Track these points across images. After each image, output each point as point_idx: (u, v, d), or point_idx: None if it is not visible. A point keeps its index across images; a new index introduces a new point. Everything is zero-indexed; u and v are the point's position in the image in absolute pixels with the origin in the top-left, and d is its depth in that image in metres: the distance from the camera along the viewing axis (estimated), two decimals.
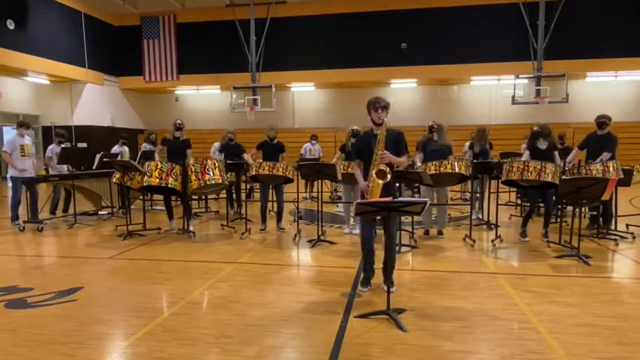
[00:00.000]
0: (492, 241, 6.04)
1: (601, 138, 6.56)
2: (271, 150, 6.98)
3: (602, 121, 6.56)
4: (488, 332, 3.25)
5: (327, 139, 16.28)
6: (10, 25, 14.00)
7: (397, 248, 5.12)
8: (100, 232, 7.10)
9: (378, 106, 3.95)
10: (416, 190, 6.80)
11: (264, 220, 7.00)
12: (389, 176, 3.84)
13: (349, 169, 6.33)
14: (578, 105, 17.07)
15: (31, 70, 15.10)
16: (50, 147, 8.44)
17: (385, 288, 3.61)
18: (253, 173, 6.48)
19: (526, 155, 6.23)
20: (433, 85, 19.27)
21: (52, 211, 8.29)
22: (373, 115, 4.01)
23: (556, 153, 6.20)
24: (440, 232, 6.61)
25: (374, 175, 3.85)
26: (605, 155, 6.32)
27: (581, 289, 4.18)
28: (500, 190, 6.62)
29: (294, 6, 17.46)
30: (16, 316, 3.62)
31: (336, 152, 7.51)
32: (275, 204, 7.19)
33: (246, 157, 8.11)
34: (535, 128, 6.34)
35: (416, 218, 6.51)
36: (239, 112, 17.53)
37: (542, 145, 6.09)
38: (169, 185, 6.32)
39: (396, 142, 4.03)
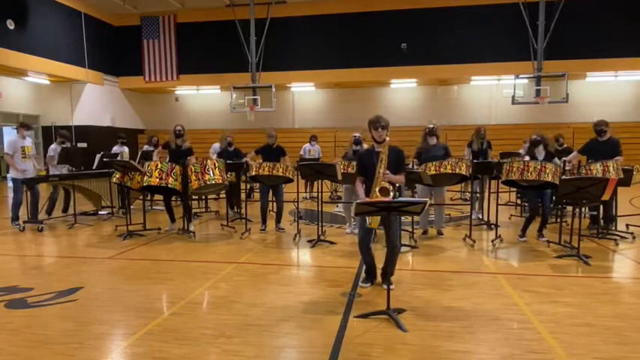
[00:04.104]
0: (492, 241, 6.04)
1: (604, 144, 6.50)
2: (272, 153, 6.93)
3: (601, 129, 6.51)
4: (489, 332, 3.25)
5: (326, 140, 16.28)
6: (10, 25, 14.01)
7: None
8: (100, 232, 7.10)
9: (378, 125, 4.06)
10: (415, 190, 6.80)
11: (264, 220, 7.00)
12: (391, 194, 3.91)
13: (349, 169, 6.34)
14: (578, 105, 17.08)
15: (31, 70, 15.11)
16: (52, 146, 8.43)
17: (385, 287, 3.63)
18: (253, 173, 6.48)
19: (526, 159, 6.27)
20: (433, 85, 19.28)
21: (49, 212, 8.27)
22: (374, 133, 4.11)
23: (555, 160, 6.27)
24: (440, 232, 6.61)
25: (377, 193, 3.91)
26: (619, 159, 6.28)
27: (581, 289, 4.18)
28: (500, 190, 6.61)
29: (294, 6, 17.46)
30: (16, 316, 3.62)
31: (336, 155, 7.52)
32: (275, 204, 7.19)
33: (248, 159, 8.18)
34: (533, 136, 6.35)
35: (414, 218, 6.50)
36: (239, 112, 17.54)
37: (540, 154, 6.21)
38: (169, 185, 6.31)
39: (396, 160, 4.11)
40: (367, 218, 3.93)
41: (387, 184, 3.93)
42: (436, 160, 6.15)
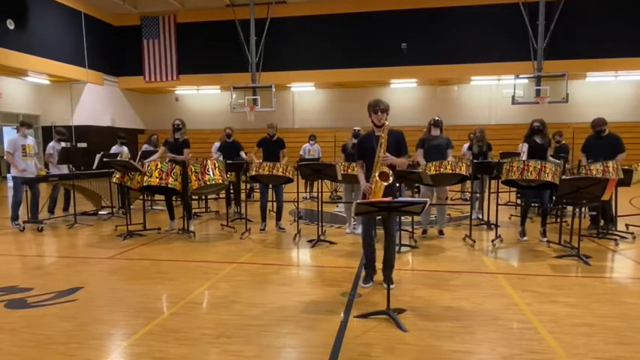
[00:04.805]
0: (492, 241, 6.03)
1: (604, 140, 6.51)
2: (271, 146, 7.03)
3: (600, 129, 6.54)
4: (489, 332, 3.25)
5: (327, 139, 16.27)
6: (10, 25, 14.01)
7: (397, 248, 5.13)
8: (100, 232, 7.10)
9: (377, 108, 4.04)
10: (416, 190, 6.81)
11: (264, 220, 7.01)
12: (391, 178, 3.89)
13: (349, 170, 6.35)
14: (578, 105, 17.08)
15: (31, 70, 15.11)
16: (50, 144, 8.45)
17: (385, 286, 3.63)
18: (253, 173, 6.48)
19: (525, 148, 6.27)
20: (433, 85, 19.28)
21: (51, 209, 8.29)
22: (374, 117, 4.09)
23: (550, 158, 6.30)
24: (440, 232, 6.61)
25: (377, 177, 3.89)
26: (621, 156, 6.30)
27: (581, 289, 4.18)
28: (500, 190, 6.61)
29: (294, 6, 17.47)
30: (16, 316, 3.62)
31: (336, 154, 7.66)
32: (275, 204, 7.19)
33: (246, 156, 8.20)
34: (535, 124, 6.35)
35: (415, 218, 6.52)
36: (239, 112, 17.53)
37: (540, 140, 6.26)
38: (169, 185, 6.31)
39: (397, 142, 4.09)
40: (372, 185, 3.92)
41: (386, 169, 3.91)
42: (438, 149, 6.27)
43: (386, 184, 3.88)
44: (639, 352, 2.91)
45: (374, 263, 4.30)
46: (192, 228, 6.71)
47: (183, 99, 21.45)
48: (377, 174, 3.91)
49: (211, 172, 6.41)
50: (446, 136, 6.57)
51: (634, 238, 6.27)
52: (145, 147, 9.45)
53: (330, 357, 2.88)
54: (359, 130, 7.16)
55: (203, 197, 9.15)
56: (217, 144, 9.79)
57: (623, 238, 6.20)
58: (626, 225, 6.78)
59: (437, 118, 6.52)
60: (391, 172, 3.92)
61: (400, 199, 3.59)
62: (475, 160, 6.94)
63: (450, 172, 6.06)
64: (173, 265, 5.15)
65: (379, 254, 4.26)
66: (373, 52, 17.41)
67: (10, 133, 15.75)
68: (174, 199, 8.24)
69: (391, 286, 3.72)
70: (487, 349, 2.98)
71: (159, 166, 6.36)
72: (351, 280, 4.46)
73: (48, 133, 16.99)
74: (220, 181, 6.50)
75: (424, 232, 6.68)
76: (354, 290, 4.15)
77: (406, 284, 4.35)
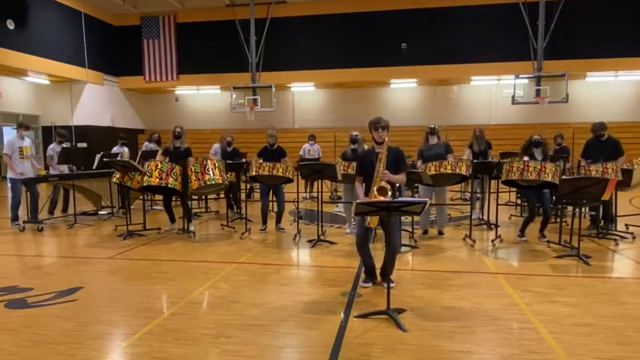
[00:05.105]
0: (492, 241, 6.03)
1: (603, 144, 6.53)
2: (272, 156, 6.86)
3: (600, 134, 6.56)
4: (489, 332, 3.25)
5: (326, 140, 16.27)
6: (10, 25, 14.01)
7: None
8: (100, 232, 7.10)
9: (378, 126, 4.08)
10: (416, 190, 6.81)
11: (264, 220, 7.00)
12: (389, 193, 3.91)
13: (349, 170, 6.35)
14: (578, 105, 17.08)
15: (31, 70, 15.12)
16: (51, 146, 8.45)
17: (385, 285, 3.64)
18: (253, 174, 6.47)
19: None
20: (433, 85, 19.28)
21: (51, 211, 8.28)
22: (374, 134, 4.13)
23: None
24: (440, 233, 6.61)
25: (375, 192, 3.92)
26: (622, 159, 6.32)
27: (581, 289, 4.18)
28: (500, 190, 6.61)
29: (294, 6, 17.47)
30: (16, 316, 3.62)
31: (336, 154, 7.56)
32: (275, 204, 7.19)
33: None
34: (535, 137, 6.37)
35: (414, 218, 6.51)
36: (239, 112, 17.54)
37: (539, 155, 6.31)
38: (169, 185, 6.31)
39: (396, 159, 4.11)
40: (366, 217, 3.94)
41: (385, 184, 3.95)
42: (438, 157, 6.22)
43: (384, 199, 3.91)
44: (639, 352, 2.92)
45: (374, 270, 4.29)
46: (192, 228, 6.71)
47: (183, 99, 21.46)
48: (375, 188, 3.95)
49: (211, 172, 6.41)
50: (444, 143, 6.56)
51: (634, 238, 6.27)
52: (146, 144, 9.44)
53: (330, 357, 2.88)
54: (357, 135, 6.97)
55: (203, 197, 9.15)
56: (216, 145, 9.80)
57: (623, 238, 6.20)
58: (626, 225, 6.79)
59: (432, 126, 6.50)
60: (389, 186, 3.95)
61: (400, 199, 3.59)
62: (475, 160, 6.94)
63: (450, 172, 6.07)
64: (173, 265, 5.15)
65: (379, 254, 4.26)
66: (373, 52, 17.41)
67: (10, 133, 15.77)
68: (173, 199, 8.25)
69: (391, 285, 3.72)
70: (487, 349, 2.98)
71: (159, 166, 6.36)
72: (351, 280, 4.46)
73: (48, 134, 17.00)
74: (220, 181, 6.50)
75: (425, 232, 6.68)
76: (354, 290, 4.16)
77: (406, 284, 4.35)
